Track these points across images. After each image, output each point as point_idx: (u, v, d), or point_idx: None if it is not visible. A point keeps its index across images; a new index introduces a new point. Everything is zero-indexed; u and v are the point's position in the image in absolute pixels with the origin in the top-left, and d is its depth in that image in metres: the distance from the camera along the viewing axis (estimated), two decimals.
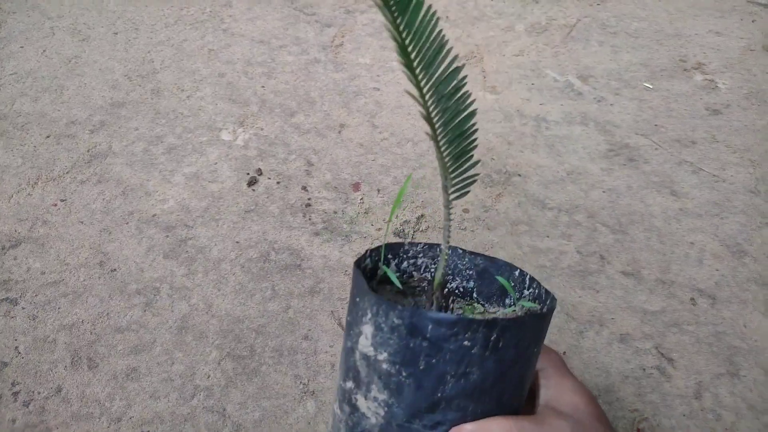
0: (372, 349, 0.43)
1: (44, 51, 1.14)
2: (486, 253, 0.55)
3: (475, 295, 0.55)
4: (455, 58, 0.42)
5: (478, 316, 0.49)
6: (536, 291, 0.51)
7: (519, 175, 0.88)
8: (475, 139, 0.45)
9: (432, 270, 0.55)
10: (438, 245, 0.56)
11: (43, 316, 0.73)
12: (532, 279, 0.52)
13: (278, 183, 0.88)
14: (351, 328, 0.46)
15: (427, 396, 0.41)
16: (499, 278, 0.52)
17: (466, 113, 0.44)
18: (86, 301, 0.74)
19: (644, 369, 0.66)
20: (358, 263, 0.50)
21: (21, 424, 0.63)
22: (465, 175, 0.47)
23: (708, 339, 0.68)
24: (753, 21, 1.14)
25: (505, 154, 0.91)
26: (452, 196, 0.48)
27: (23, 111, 1.01)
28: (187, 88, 1.06)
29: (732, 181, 0.85)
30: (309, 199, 0.86)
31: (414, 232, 0.81)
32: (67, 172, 0.90)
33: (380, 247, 0.54)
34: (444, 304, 0.52)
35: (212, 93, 1.05)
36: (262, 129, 0.97)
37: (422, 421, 0.41)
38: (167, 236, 0.81)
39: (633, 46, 1.10)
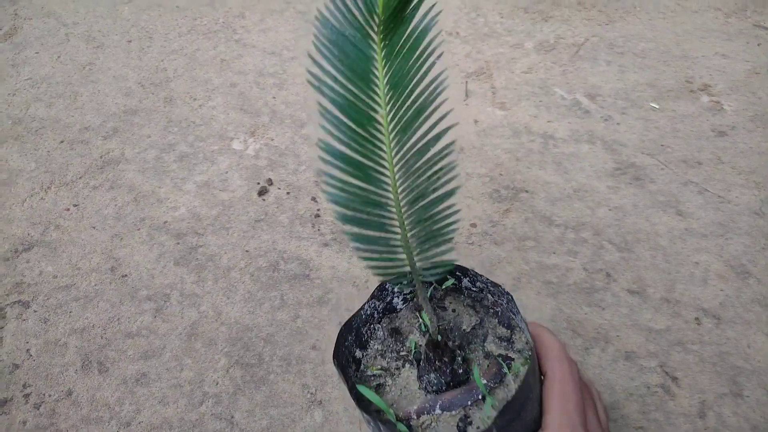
0: None
1: (59, 57, 1.16)
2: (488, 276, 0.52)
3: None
4: (443, 131, 0.36)
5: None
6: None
7: (526, 191, 0.89)
8: (451, 224, 0.40)
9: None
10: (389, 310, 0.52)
11: (54, 319, 0.73)
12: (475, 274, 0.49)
13: (288, 193, 0.89)
14: None
15: None
16: (475, 377, 0.46)
17: (438, 193, 0.38)
18: (97, 305, 0.75)
19: (649, 387, 0.67)
20: (348, 382, 0.45)
21: (31, 426, 0.64)
22: (434, 261, 0.42)
23: (712, 359, 0.69)
24: (759, 44, 1.15)
25: (513, 170, 0.92)
26: (422, 277, 0.42)
27: (38, 116, 1.02)
28: (199, 97, 1.07)
29: (737, 203, 0.86)
30: (318, 209, 0.87)
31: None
32: (80, 178, 0.92)
33: (341, 335, 0.49)
34: (439, 363, 0.46)
35: (224, 102, 1.06)
36: (272, 139, 0.98)
37: None
38: (178, 243, 0.82)
39: (640, 67, 1.11)
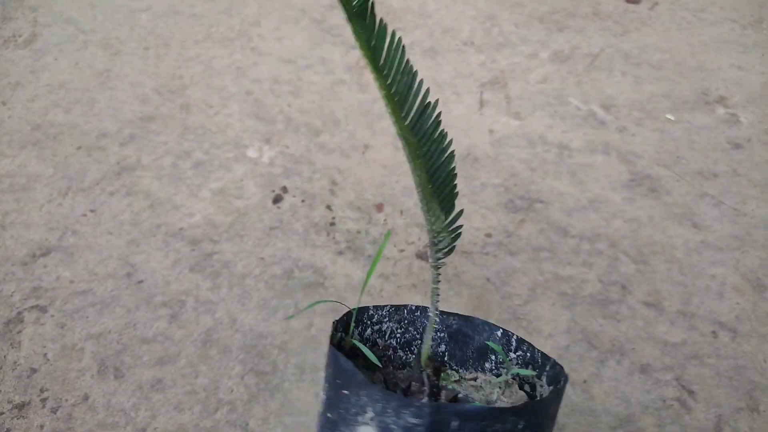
0: None
1: (77, 64, 1.17)
2: (461, 312, 0.51)
3: (446, 358, 0.48)
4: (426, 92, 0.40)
5: (505, 404, 0.43)
6: (527, 354, 0.45)
7: (541, 201, 0.89)
8: (455, 185, 0.42)
9: (398, 335, 0.50)
10: (405, 306, 0.50)
11: (71, 324, 0.74)
12: (520, 341, 0.46)
13: (303, 201, 0.90)
14: (337, 429, 0.38)
15: None
16: (491, 343, 0.46)
17: (447, 153, 0.41)
18: (113, 311, 0.76)
19: (664, 400, 0.66)
20: (333, 340, 0.43)
21: (48, 430, 0.64)
22: (452, 226, 0.42)
23: (728, 372, 0.69)
24: None
25: (528, 180, 0.92)
26: (441, 252, 0.42)
27: (56, 122, 1.03)
28: (215, 105, 1.08)
29: (753, 215, 0.86)
30: (333, 218, 0.87)
31: None
32: (97, 184, 0.92)
33: (345, 315, 0.47)
34: (436, 381, 0.44)
35: (239, 110, 1.07)
36: (287, 147, 0.99)
37: None
38: (193, 250, 0.83)
39: (655, 78, 1.11)
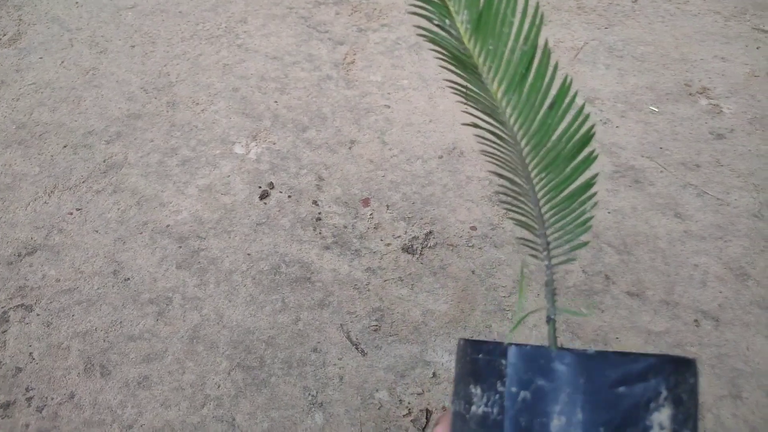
0: None
1: (63, 62, 1.17)
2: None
3: None
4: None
5: None
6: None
7: None
8: (584, 214, 0.37)
9: None
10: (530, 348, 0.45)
11: (57, 323, 0.74)
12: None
13: (289, 197, 0.90)
14: None
15: None
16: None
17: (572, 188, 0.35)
18: (100, 309, 0.76)
19: None
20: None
21: (34, 429, 0.64)
22: (570, 236, 0.37)
23: (711, 361, 0.69)
24: (758, 48, 1.16)
25: None
26: (554, 260, 0.37)
27: (41, 120, 1.03)
28: (201, 102, 1.08)
29: (736, 205, 0.87)
30: (319, 213, 0.88)
31: (422, 248, 0.82)
32: (83, 182, 0.92)
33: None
34: None
35: (226, 107, 1.07)
36: (274, 143, 0.99)
37: None
38: (180, 247, 0.83)
39: (639, 70, 1.12)
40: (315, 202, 0.89)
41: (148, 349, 0.71)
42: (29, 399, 0.67)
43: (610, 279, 0.78)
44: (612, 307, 0.75)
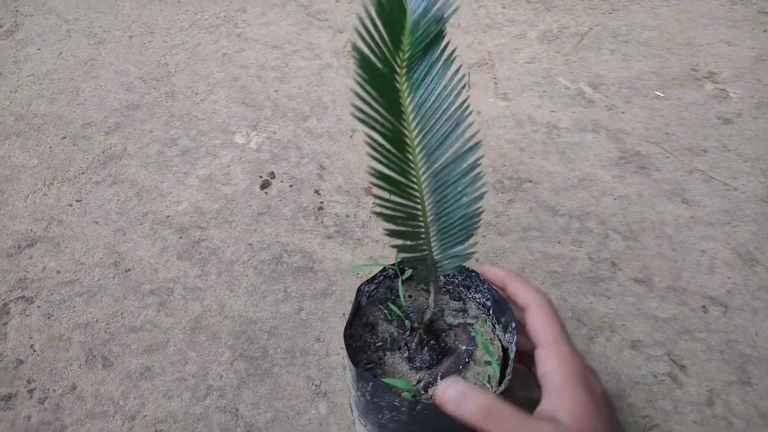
0: None
1: (61, 53, 1.15)
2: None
3: (491, 312, 0.56)
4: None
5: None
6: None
7: (530, 181, 0.88)
8: (470, 228, 0.47)
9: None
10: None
11: (58, 314, 0.73)
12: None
13: (291, 186, 0.89)
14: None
15: None
16: (477, 335, 0.54)
17: (459, 205, 0.46)
18: (101, 300, 0.75)
19: (656, 375, 0.66)
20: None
21: (36, 421, 0.64)
22: (453, 251, 0.48)
23: (719, 347, 0.69)
24: (764, 31, 1.14)
25: (517, 161, 0.91)
26: (439, 270, 0.48)
27: (40, 112, 1.02)
28: (201, 92, 1.07)
29: (743, 190, 0.85)
30: (321, 202, 0.87)
31: None
32: (82, 173, 0.91)
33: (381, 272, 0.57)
34: (431, 341, 0.53)
35: (226, 96, 1.06)
36: (275, 133, 0.98)
37: None
38: (181, 237, 0.82)
39: (644, 55, 1.10)
40: (316, 192, 0.88)
41: (149, 340, 0.71)
42: (31, 391, 0.66)
43: (617, 265, 0.77)
44: (618, 294, 0.74)
